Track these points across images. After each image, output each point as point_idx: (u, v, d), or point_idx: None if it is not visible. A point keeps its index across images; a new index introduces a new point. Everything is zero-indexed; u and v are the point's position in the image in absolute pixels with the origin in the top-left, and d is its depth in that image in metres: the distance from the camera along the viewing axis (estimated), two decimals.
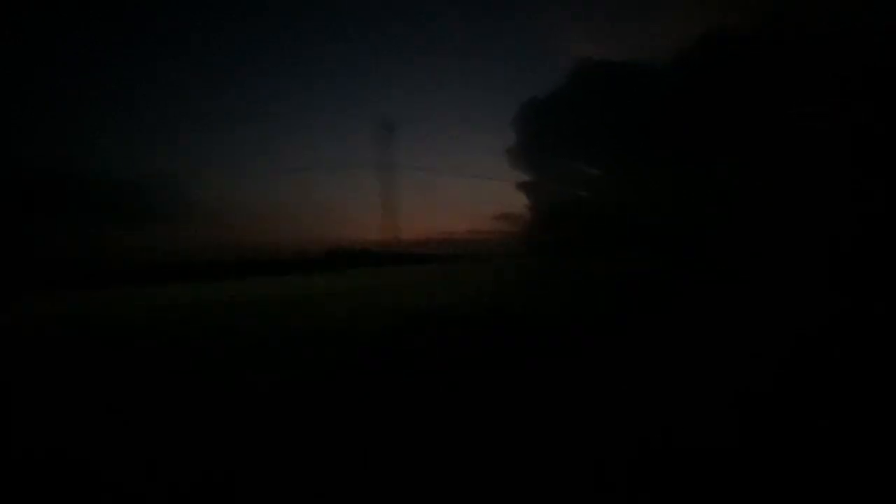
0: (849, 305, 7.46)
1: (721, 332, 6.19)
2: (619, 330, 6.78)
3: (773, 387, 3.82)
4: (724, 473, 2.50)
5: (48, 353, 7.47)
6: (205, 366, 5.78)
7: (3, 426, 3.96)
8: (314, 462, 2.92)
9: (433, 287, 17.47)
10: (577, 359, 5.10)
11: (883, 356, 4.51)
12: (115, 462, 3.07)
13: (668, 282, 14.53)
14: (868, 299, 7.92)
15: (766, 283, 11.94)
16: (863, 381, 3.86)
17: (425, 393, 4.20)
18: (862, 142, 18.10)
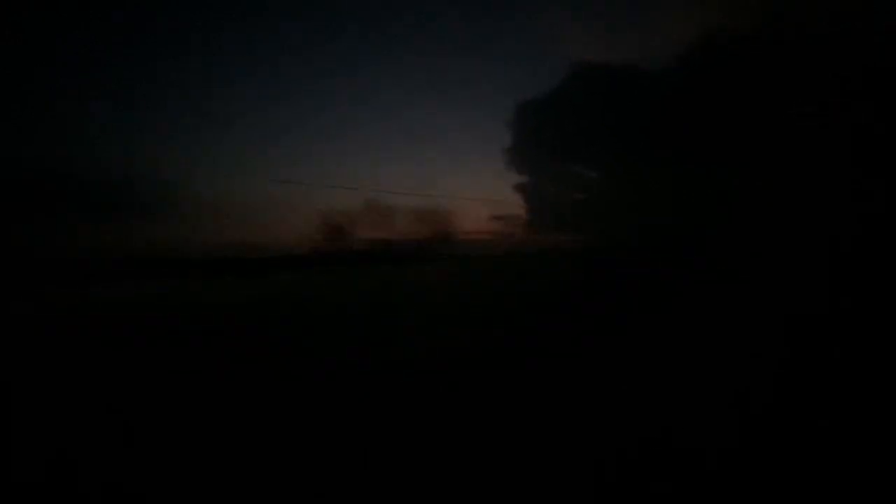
0: (849, 305, 7.45)
1: (721, 331, 6.18)
2: (618, 330, 6.77)
3: (773, 386, 3.82)
4: (724, 473, 2.50)
5: (48, 352, 7.46)
6: (204, 363, 5.77)
7: (3, 425, 3.95)
8: (313, 461, 2.91)
9: (431, 287, 17.46)
10: (576, 359, 5.10)
11: (883, 356, 4.51)
12: (115, 461, 3.06)
13: (667, 282, 14.51)
14: (868, 299, 7.91)
15: (765, 282, 11.94)
16: (863, 382, 3.85)
17: (425, 393, 4.20)
18: (862, 142, 18.08)
